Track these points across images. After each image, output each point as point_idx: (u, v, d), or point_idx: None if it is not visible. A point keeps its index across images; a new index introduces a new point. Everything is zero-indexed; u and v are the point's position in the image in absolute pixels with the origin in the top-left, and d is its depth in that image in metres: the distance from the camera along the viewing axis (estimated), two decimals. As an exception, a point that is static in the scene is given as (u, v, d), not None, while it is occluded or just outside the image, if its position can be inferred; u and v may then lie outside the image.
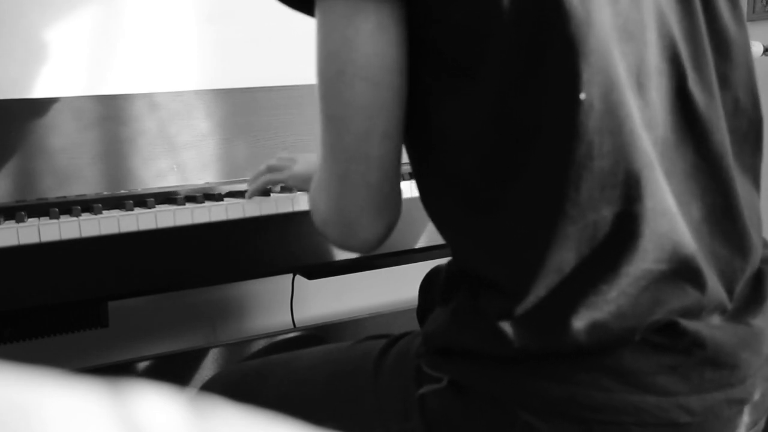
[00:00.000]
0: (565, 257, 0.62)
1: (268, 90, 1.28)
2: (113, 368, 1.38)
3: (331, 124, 0.66)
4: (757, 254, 0.70)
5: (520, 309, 0.63)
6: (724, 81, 0.70)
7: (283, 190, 1.08)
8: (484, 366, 0.66)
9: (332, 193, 0.68)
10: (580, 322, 0.61)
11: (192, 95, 1.23)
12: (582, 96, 0.60)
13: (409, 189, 0.90)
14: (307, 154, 1.02)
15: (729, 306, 0.67)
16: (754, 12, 1.94)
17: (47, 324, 1.13)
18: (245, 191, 1.04)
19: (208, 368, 1.46)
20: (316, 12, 0.66)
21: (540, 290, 0.62)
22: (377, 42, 0.63)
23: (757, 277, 0.71)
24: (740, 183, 0.70)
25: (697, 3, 0.68)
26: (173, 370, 1.43)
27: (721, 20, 0.70)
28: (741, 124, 0.72)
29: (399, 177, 0.70)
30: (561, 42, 0.60)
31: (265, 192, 1.04)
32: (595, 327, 0.61)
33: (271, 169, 1.03)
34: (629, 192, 0.61)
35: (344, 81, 0.63)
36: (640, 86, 0.63)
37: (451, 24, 0.63)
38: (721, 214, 0.67)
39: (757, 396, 0.66)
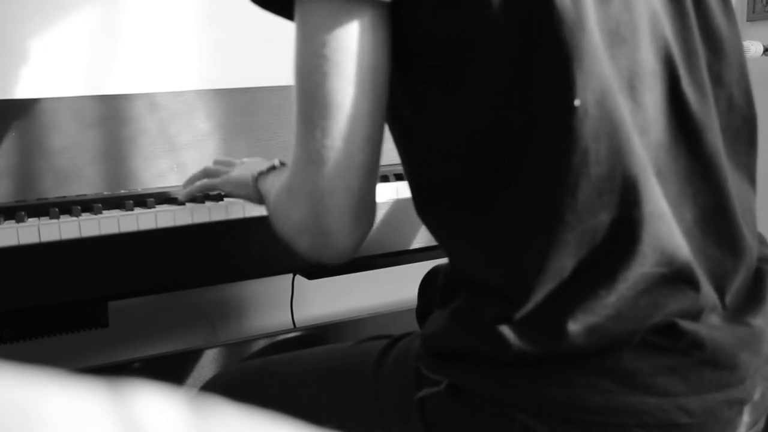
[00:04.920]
0: (563, 263, 0.61)
1: (268, 90, 1.28)
2: (113, 368, 1.38)
3: (312, 128, 0.63)
4: (751, 253, 0.70)
5: (519, 314, 0.63)
6: (718, 79, 0.70)
7: None
8: (483, 369, 0.66)
9: (310, 198, 0.65)
10: (578, 326, 0.61)
11: (192, 95, 1.23)
12: (576, 102, 0.59)
13: (407, 189, 0.90)
14: (247, 159, 0.97)
15: (720, 306, 0.66)
16: (754, 12, 1.93)
17: (47, 324, 1.13)
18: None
19: (208, 368, 1.46)
20: (297, 13, 0.64)
21: (539, 296, 0.62)
22: (364, 44, 0.62)
23: (757, 276, 0.71)
24: (734, 181, 0.70)
25: (688, 2, 0.68)
26: (173, 370, 1.43)
27: (714, 19, 0.70)
28: (734, 121, 0.72)
29: (377, 183, 0.68)
30: (554, 46, 0.59)
31: None
32: (593, 331, 0.61)
33: (206, 174, 1.00)
34: (627, 197, 0.61)
35: (328, 83, 0.62)
36: (633, 90, 0.63)
37: (441, 34, 0.62)
38: (714, 215, 0.67)
39: (756, 396, 0.66)
